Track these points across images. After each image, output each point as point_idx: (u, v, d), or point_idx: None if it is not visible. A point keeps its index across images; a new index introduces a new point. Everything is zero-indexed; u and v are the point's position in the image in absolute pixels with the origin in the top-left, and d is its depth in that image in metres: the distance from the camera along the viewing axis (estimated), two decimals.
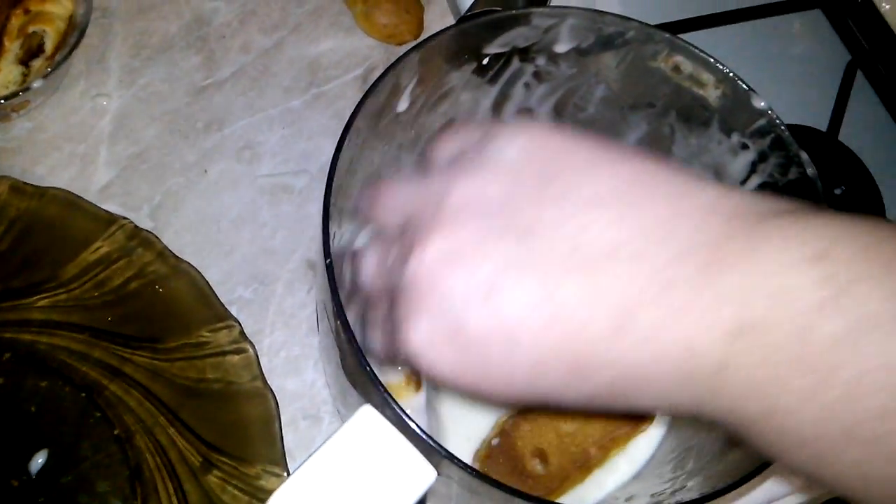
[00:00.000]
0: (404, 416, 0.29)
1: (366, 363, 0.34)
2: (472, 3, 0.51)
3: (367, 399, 0.34)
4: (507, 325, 0.26)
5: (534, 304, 0.26)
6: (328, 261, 0.35)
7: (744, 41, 0.67)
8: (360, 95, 0.57)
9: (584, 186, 0.27)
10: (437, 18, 0.62)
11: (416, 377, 0.45)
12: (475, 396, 0.29)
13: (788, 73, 0.68)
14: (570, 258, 0.26)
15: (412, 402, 0.46)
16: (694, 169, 0.48)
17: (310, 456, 0.29)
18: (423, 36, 0.61)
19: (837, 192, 0.61)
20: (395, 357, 0.30)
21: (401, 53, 0.59)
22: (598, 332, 0.25)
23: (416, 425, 0.29)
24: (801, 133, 0.61)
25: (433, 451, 0.30)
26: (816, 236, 0.24)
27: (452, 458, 0.30)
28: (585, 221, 0.26)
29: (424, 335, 0.28)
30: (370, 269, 0.33)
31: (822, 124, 0.63)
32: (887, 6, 0.60)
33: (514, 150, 0.29)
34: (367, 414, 0.29)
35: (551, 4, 0.46)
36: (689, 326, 0.24)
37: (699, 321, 0.24)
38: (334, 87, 0.58)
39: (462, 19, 0.50)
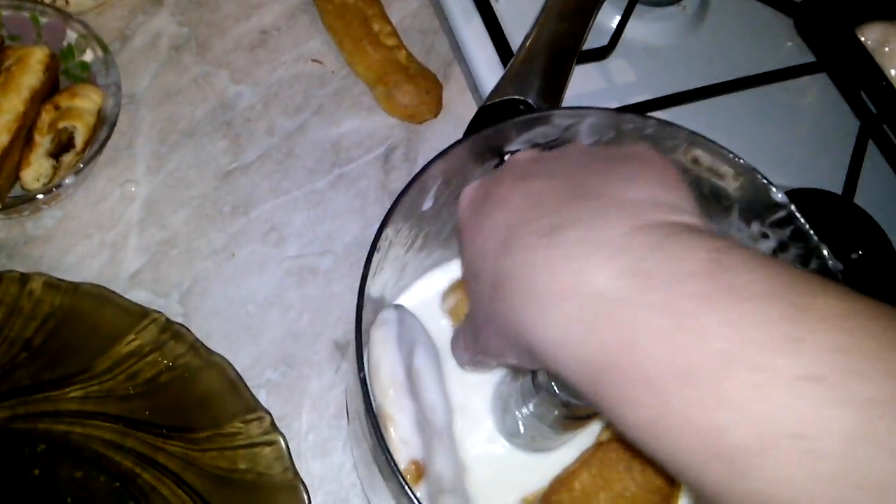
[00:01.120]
0: None
1: (391, 459, 0.35)
2: (491, 92, 0.52)
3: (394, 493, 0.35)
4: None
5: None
6: (362, 374, 0.36)
7: (756, 107, 0.68)
8: (382, 174, 0.59)
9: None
10: (457, 95, 0.64)
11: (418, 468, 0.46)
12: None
13: (802, 137, 0.69)
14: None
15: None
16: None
17: None
18: (442, 113, 0.62)
19: (854, 256, 0.61)
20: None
21: (421, 131, 0.61)
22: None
23: None
24: (817, 196, 0.61)
25: None
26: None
27: None
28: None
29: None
30: None
31: (837, 187, 0.63)
32: (895, 72, 0.61)
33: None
34: None
35: (570, 105, 0.46)
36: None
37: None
38: (357, 167, 0.60)
39: (482, 110, 0.51)
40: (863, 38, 0.62)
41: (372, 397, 0.43)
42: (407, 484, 0.34)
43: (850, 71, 0.65)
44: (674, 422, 0.25)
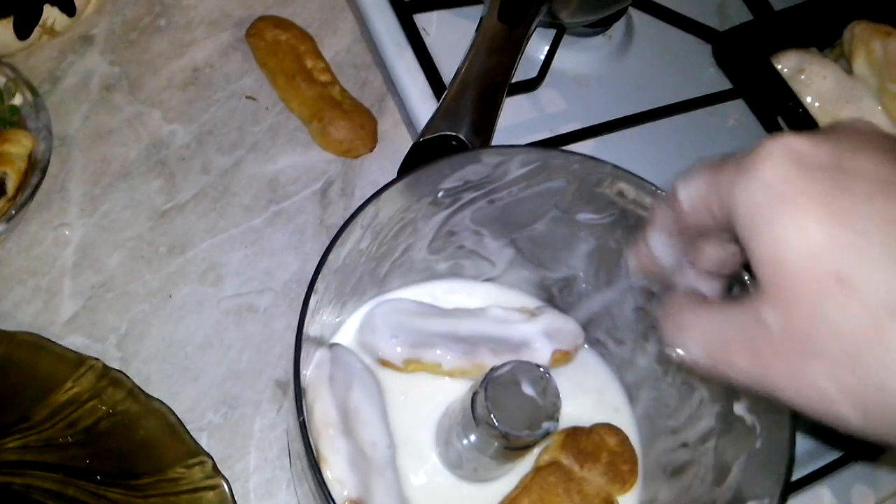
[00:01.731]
0: None
1: (331, 499, 0.35)
2: (424, 128, 0.53)
3: None
4: None
5: None
6: (301, 418, 0.37)
7: (682, 131, 0.70)
8: (320, 209, 0.60)
9: None
10: (391, 129, 0.65)
11: None
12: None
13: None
14: None
15: None
16: None
17: None
18: (378, 146, 0.63)
19: None
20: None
21: (357, 165, 0.62)
22: None
23: None
24: None
25: None
26: None
27: None
28: None
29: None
30: None
31: None
32: (817, 104, 0.64)
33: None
34: None
35: (499, 144, 0.48)
36: None
37: None
38: (294, 203, 0.60)
39: (415, 146, 0.52)
40: (779, 66, 0.65)
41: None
42: None
43: (767, 97, 0.68)
44: None
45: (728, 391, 0.45)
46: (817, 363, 0.24)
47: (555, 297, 0.57)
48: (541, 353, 0.52)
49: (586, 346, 0.56)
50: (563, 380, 0.46)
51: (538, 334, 0.53)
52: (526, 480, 0.49)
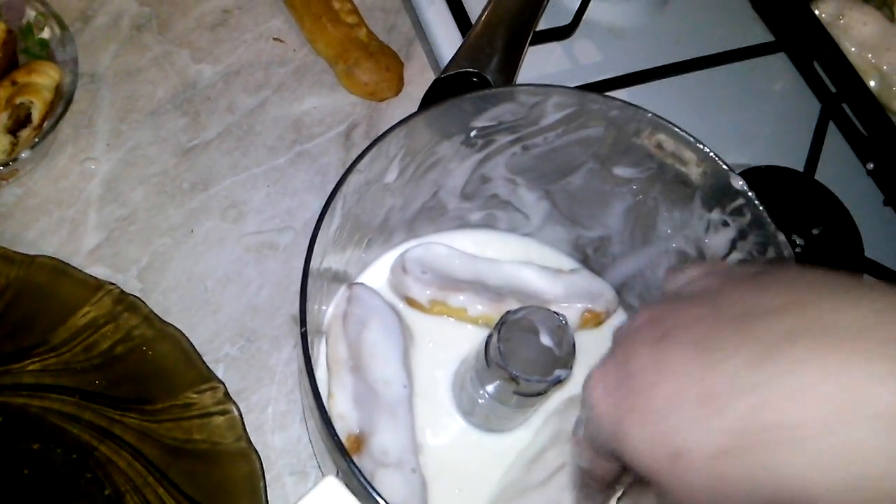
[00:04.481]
0: (369, 488, 0.30)
1: (333, 432, 0.35)
2: (447, 65, 0.52)
3: (337, 465, 0.35)
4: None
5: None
6: (303, 329, 0.36)
7: (720, 86, 0.68)
8: (343, 152, 0.60)
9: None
10: (418, 73, 0.64)
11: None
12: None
13: (765, 116, 0.69)
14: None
15: None
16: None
17: None
18: (404, 91, 0.63)
19: (815, 231, 0.62)
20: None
21: (383, 109, 0.62)
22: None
23: (381, 497, 0.30)
24: (779, 174, 0.62)
25: None
26: None
27: None
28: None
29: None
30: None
31: (798, 164, 0.64)
32: (854, 49, 0.62)
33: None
34: (331, 485, 0.30)
35: (532, 84, 0.47)
36: None
37: None
38: (318, 145, 0.60)
39: (436, 82, 0.51)
40: (818, 13, 0.63)
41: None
42: (348, 456, 0.34)
43: (807, 48, 0.66)
44: None
45: None
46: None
47: (589, 257, 0.56)
48: (571, 311, 0.51)
49: (616, 310, 0.55)
50: (592, 342, 0.45)
51: (570, 292, 0.52)
52: None
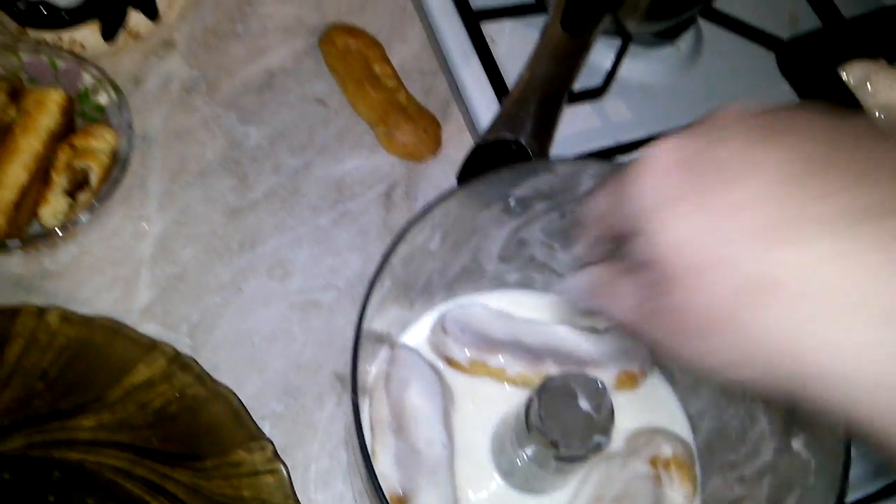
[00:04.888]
0: None
1: (382, 495, 0.37)
2: (485, 132, 0.54)
3: None
4: None
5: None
6: (354, 397, 0.38)
7: None
8: (383, 211, 0.62)
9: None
10: (455, 134, 0.66)
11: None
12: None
13: None
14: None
15: None
16: None
17: None
18: (441, 151, 0.65)
19: None
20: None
21: (421, 169, 0.64)
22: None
23: None
24: None
25: None
26: None
27: None
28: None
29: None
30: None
31: None
32: (882, 115, 0.63)
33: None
34: None
35: (566, 157, 0.49)
36: None
37: None
38: (359, 204, 0.62)
39: (476, 148, 0.53)
40: (845, 77, 0.64)
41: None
42: None
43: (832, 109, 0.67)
44: None
45: (787, 425, 0.45)
46: (715, 337, 0.27)
47: None
48: (607, 374, 0.53)
49: (652, 370, 0.56)
50: (628, 403, 0.46)
51: (605, 353, 0.54)
52: None
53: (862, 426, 0.24)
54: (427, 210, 0.44)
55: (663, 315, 0.29)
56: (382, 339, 0.52)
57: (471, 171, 0.54)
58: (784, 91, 0.73)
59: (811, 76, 0.69)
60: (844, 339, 0.24)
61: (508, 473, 0.50)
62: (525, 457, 0.47)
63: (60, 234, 0.54)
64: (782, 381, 0.26)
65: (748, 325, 0.26)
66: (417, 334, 0.55)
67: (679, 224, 0.27)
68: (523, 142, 0.53)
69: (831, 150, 0.26)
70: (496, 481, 0.51)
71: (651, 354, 0.55)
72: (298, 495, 0.49)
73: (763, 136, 0.27)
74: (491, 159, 0.53)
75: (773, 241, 0.25)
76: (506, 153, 0.53)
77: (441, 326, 0.53)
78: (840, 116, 0.27)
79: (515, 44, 0.70)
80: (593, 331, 0.55)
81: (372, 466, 0.38)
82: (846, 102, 0.64)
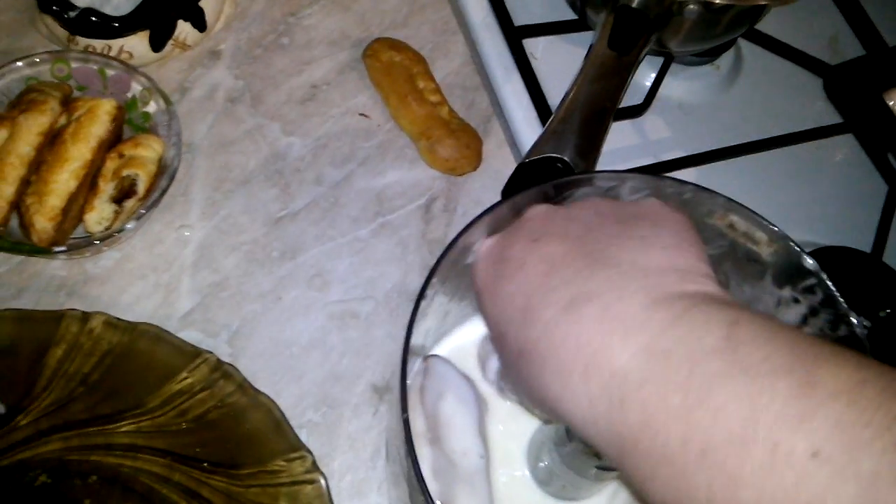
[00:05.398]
0: None
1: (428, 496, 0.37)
2: (530, 149, 0.54)
3: None
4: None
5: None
6: (405, 416, 0.38)
7: (788, 164, 0.70)
8: (423, 224, 0.62)
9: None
10: (495, 148, 0.66)
11: None
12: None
13: (832, 195, 0.70)
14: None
15: None
16: None
17: None
18: (482, 165, 0.65)
19: (882, 314, 0.62)
20: None
21: (461, 183, 0.64)
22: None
23: None
24: (845, 255, 0.63)
25: None
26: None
27: None
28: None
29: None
30: None
31: (866, 246, 0.64)
32: None
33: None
34: None
35: (607, 169, 0.49)
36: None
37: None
38: (399, 217, 0.62)
39: (521, 166, 0.53)
40: (891, 103, 0.64)
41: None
42: None
43: (878, 134, 0.67)
44: (696, 497, 0.27)
45: None
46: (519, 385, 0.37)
47: None
48: None
49: None
50: None
51: None
52: None
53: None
54: (471, 224, 0.44)
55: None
56: (416, 351, 0.52)
57: (515, 189, 0.54)
58: (821, 111, 0.73)
59: (857, 101, 0.68)
60: (564, 391, 0.32)
61: (545, 482, 0.50)
62: (564, 466, 0.47)
63: (105, 240, 0.54)
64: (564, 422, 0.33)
65: (525, 380, 0.35)
66: (451, 345, 0.55)
67: (486, 305, 0.38)
68: (568, 159, 0.53)
69: (576, 247, 0.35)
70: (533, 490, 0.51)
71: None
72: None
73: (536, 238, 0.37)
74: (535, 177, 0.53)
75: (523, 322, 0.34)
76: (551, 171, 0.53)
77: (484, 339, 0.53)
78: (611, 209, 0.39)
79: (556, 60, 0.70)
80: None
81: (425, 481, 0.38)
82: (892, 128, 0.63)
